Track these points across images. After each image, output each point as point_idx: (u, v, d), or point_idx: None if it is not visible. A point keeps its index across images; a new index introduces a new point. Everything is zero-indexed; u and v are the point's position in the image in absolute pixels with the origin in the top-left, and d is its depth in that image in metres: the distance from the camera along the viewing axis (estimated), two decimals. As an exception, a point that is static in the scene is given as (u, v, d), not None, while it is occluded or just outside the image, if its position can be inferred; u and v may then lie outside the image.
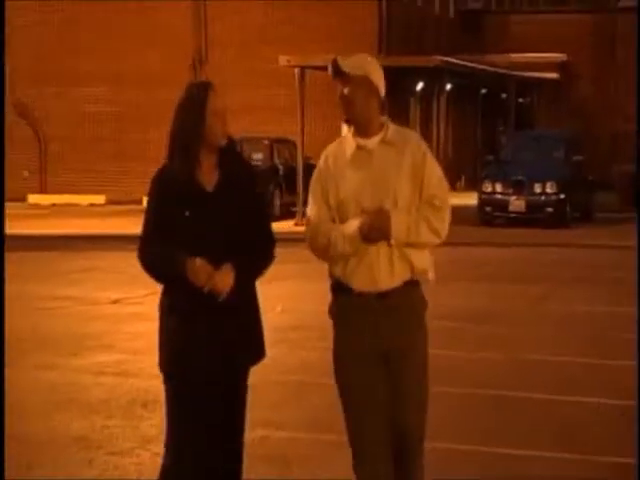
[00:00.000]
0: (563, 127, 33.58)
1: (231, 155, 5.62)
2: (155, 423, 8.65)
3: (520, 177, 27.35)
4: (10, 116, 33.49)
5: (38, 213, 31.79)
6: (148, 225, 5.53)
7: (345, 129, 5.85)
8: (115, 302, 15.58)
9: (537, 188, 27.29)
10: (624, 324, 13.31)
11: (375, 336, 5.60)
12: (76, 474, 7.82)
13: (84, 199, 33.88)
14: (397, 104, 35.74)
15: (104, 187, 34.05)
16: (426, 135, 37.67)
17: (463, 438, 8.72)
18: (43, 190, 35.63)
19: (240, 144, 26.75)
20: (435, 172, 5.70)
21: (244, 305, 5.55)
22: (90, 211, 32.30)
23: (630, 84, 35.63)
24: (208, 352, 5.47)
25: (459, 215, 31.37)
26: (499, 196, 27.52)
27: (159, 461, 7.87)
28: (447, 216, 5.66)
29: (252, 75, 31.16)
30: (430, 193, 5.61)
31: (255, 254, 5.53)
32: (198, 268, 5.29)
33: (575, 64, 38.79)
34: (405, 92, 35.91)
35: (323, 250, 5.60)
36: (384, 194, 5.55)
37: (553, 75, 38.27)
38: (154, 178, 5.58)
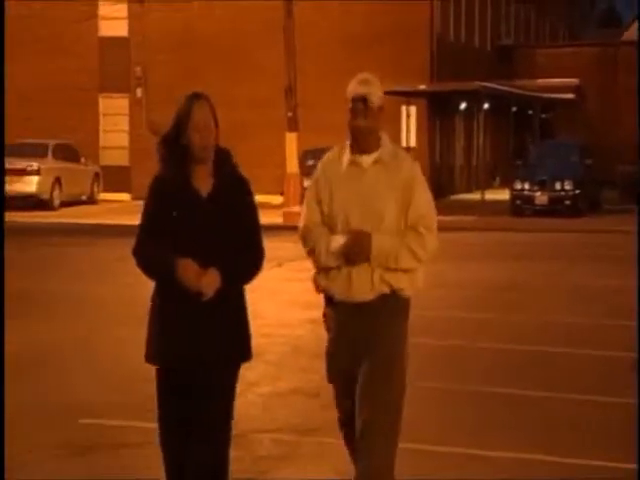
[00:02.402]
0: (577, 137, 33.35)
1: (225, 165, 4.79)
2: (256, 372, 8.67)
3: (544, 177, 27.25)
4: (145, 135, 33.73)
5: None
6: (143, 226, 4.77)
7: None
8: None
9: (557, 185, 27.18)
10: (630, 292, 13.25)
11: (353, 343, 4.88)
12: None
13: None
14: (445, 121, 35.63)
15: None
16: (468, 145, 37.60)
17: (496, 383, 8.76)
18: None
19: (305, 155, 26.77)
20: (423, 196, 4.87)
21: (231, 307, 4.72)
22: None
23: (629, 103, 35.75)
24: (194, 350, 4.67)
25: (495, 207, 31.42)
26: (527, 192, 27.41)
27: (261, 401, 8.08)
28: (430, 241, 4.84)
29: (332, 99, 31.17)
30: (417, 214, 4.82)
31: (243, 262, 4.72)
32: (186, 269, 4.56)
33: (586, 87, 38.54)
34: (451, 111, 35.79)
35: (310, 254, 4.93)
36: (371, 213, 4.78)
37: (569, 96, 37.94)
38: (151, 182, 4.81)
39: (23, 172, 28.56)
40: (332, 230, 4.85)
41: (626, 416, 7.56)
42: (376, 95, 4.84)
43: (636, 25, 46.09)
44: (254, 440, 6.97)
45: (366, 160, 4.86)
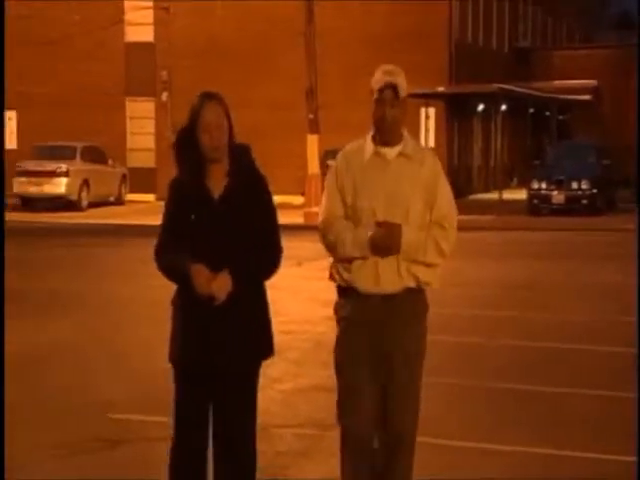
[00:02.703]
0: (594, 138, 33.16)
1: (241, 163, 4.57)
2: (278, 368, 8.66)
3: (561, 177, 27.12)
4: (170, 136, 33.83)
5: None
6: (163, 231, 4.62)
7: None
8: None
9: (574, 185, 27.04)
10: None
11: (376, 337, 4.65)
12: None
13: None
14: (463, 122, 35.53)
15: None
16: (486, 145, 37.47)
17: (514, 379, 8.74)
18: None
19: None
20: (447, 194, 4.72)
21: (247, 307, 4.52)
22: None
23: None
24: (214, 350, 4.51)
25: (512, 206, 31.32)
26: (544, 192, 27.30)
27: (282, 397, 8.06)
28: (453, 237, 4.71)
29: (352, 100, 31.14)
30: (441, 214, 4.65)
31: (258, 260, 4.52)
32: (198, 274, 4.40)
33: (603, 88, 38.31)
34: (469, 112, 35.69)
35: (332, 247, 4.68)
36: (397, 205, 4.58)
37: (586, 97, 37.74)
38: (169, 185, 4.65)
39: (52, 174, 28.66)
40: (355, 222, 4.64)
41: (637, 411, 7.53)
42: (403, 85, 4.62)
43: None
44: (276, 435, 6.98)
45: (390, 152, 4.65)
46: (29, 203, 29.16)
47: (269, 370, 8.93)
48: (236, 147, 4.58)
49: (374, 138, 4.68)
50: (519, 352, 9.91)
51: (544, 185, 27.38)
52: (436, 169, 4.69)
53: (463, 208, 23.38)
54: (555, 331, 10.98)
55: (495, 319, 11.70)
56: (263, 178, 4.62)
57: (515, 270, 16.20)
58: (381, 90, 4.57)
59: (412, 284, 4.64)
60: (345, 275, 4.66)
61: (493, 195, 31.75)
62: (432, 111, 32.19)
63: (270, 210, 4.60)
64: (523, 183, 31.67)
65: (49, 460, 6.41)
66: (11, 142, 36.48)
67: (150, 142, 35.54)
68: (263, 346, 4.65)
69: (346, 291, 4.69)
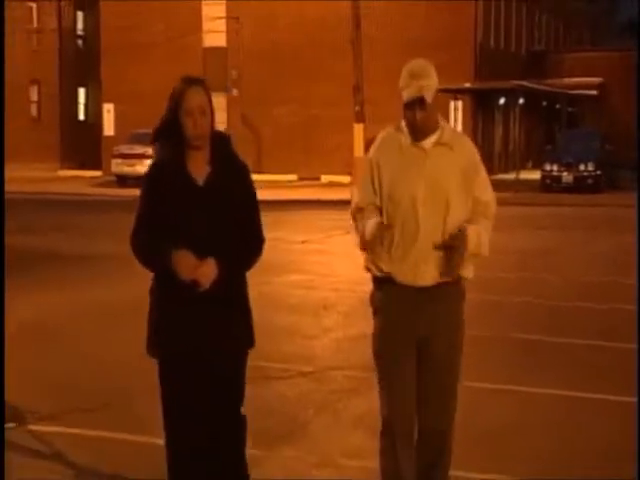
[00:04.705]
0: (598, 127, 32.72)
1: (223, 151, 3.83)
2: (330, 320, 8.68)
3: (570, 160, 26.83)
4: (239, 126, 33.99)
5: (257, 186, 32.08)
6: (140, 216, 3.81)
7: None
8: (303, 242, 15.47)
9: (581, 167, 26.79)
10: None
11: (411, 325, 3.93)
12: (280, 350, 7.79)
13: (284, 177, 34.18)
14: (486, 114, 35.17)
15: (296, 169, 34.27)
16: (506, 133, 37.05)
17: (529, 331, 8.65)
18: (259, 171, 35.99)
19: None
20: (486, 180, 4.00)
21: (231, 296, 3.79)
22: (288, 185, 32.63)
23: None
24: (195, 340, 3.75)
25: (528, 185, 31.17)
26: (555, 173, 27.06)
27: (335, 344, 8.08)
28: (493, 224, 4.03)
29: (393, 96, 30.94)
30: (483, 200, 3.94)
31: (242, 249, 3.81)
32: (182, 260, 3.65)
33: (608, 85, 37.70)
34: (491, 105, 35.31)
35: (359, 231, 3.98)
36: (437, 195, 3.85)
37: (593, 92, 37.17)
38: (147, 171, 3.86)
39: (142, 156, 28.88)
40: (392, 211, 3.88)
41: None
42: (431, 89, 3.85)
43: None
44: (329, 376, 6.98)
45: (427, 142, 3.89)
46: (124, 181, 29.46)
47: (324, 320, 9.00)
48: (216, 135, 3.83)
49: (409, 130, 3.92)
50: (534, 308, 9.84)
51: (555, 167, 27.21)
52: (474, 156, 3.97)
53: (486, 187, 22.65)
54: (565, 290, 10.88)
55: (513, 280, 11.62)
56: (246, 166, 3.91)
57: (530, 239, 16.07)
58: (407, 103, 3.84)
59: (449, 279, 3.92)
60: (384, 267, 3.92)
61: (511, 175, 31.49)
62: (460, 104, 31.94)
63: (253, 199, 3.89)
64: (537, 165, 31.37)
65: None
66: (109, 130, 36.82)
67: (222, 130, 35.82)
68: (245, 337, 3.87)
69: (382, 281, 3.96)
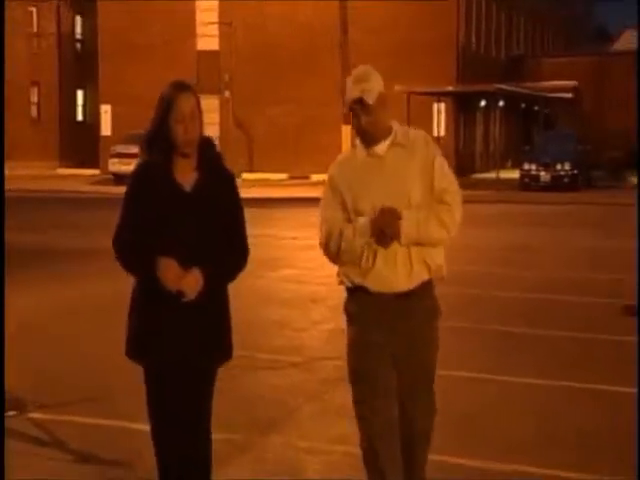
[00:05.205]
0: (573, 128, 32.86)
1: (209, 157, 3.57)
2: (319, 313, 8.67)
3: (547, 160, 26.89)
4: (232, 127, 33.96)
5: (249, 184, 32.20)
6: (124, 217, 3.55)
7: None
8: (294, 238, 15.43)
9: (558, 166, 26.85)
10: (616, 252, 13.09)
11: (389, 335, 3.65)
12: (270, 343, 7.78)
13: (275, 176, 34.15)
14: (468, 115, 35.22)
15: (287, 168, 34.26)
16: (486, 134, 37.12)
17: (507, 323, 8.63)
18: (251, 170, 35.98)
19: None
20: (444, 168, 3.72)
21: (212, 305, 3.55)
22: (279, 183, 32.61)
23: (615, 101, 35.20)
24: (175, 349, 3.51)
25: (508, 184, 31.37)
26: (533, 172, 27.10)
27: (325, 335, 8.08)
28: (457, 211, 3.71)
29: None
30: (441, 188, 3.67)
31: (227, 260, 3.54)
32: (167, 269, 3.41)
33: (582, 88, 37.85)
34: (473, 107, 35.39)
35: (335, 251, 3.68)
36: (398, 197, 3.61)
37: (568, 95, 37.31)
38: (133, 174, 3.60)
39: (138, 156, 28.77)
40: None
41: (613, 349, 7.48)
42: (372, 91, 3.62)
43: (623, 37, 45.11)
44: (318, 366, 6.99)
45: (381, 147, 3.67)
46: (120, 179, 29.36)
47: (312, 314, 8.99)
48: (203, 141, 3.58)
49: (362, 142, 3.72)
50: (513, 301, 9.85)
51: (533, 166, 27.28)
52: (429, 150, 3.71)
53: (467, 185, 23.38)
54: (542, 284, 10.89)
55: (493, 275, 11.64)
56: (232, 175, 3.65)
57: (509, 235, 16.10)
58: (350, 104, 3.65)
59: (425, 275, 3.68)
60: (355, 278, 3.68)
61: (492, 175, 31.57)
62: (443, 106, 32.00)
63: (239, 210, 3.62)
64: (516, 165, 31.43)
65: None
66: (106, 130, 36.70)
67: (215, 130, 35.64)
68: (224, 347, 3.65)
69: (355, 291, 3.71)
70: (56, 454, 5.10)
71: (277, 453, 5.12)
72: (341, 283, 3.79)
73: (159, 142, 3.51)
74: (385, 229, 3.57)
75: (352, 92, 3.66)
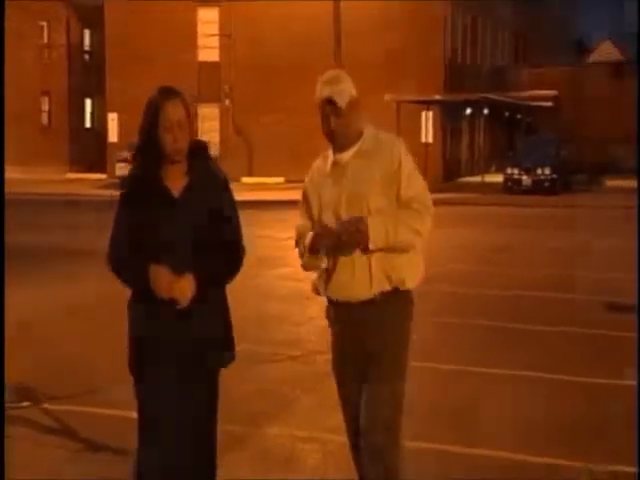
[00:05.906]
0: (554, 135, 32.93)
1: (200, 161, 3.33)
2: (315, 309, 8.56)
3: (529, 165, 26.94)
4: (232, 134, 33.92)
5: (248, 188, 32.23)
6: (116, 229, 3.33)
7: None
8: (289, 238, 15.53)
9: (539, 171, 26.89)
10: (595, 252, 13.10)
11: (355, 342, 3.52)
12: (270, 336, 7.76)
13: (272, 180, 34.07)
14: (454, 123, 35.22)
15: (284, 172, 34.23)
16: (472, 141, 37.15)
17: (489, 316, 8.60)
18: (250, 174, 35.94)
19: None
20: (412, 175, 3.46)
21: (209, 310, 3.31)
22: (276, 187, 32.47)
23: (593, 109, 35.34)
24: (175, 354, 3.29)
25: (492, 187, 31.45)
26: (516, 176, 27.15)
27: (320, 330, 8.06)
28: (427, 216, 3.46)
29: (374, 105, 31.04)
30: (408, 196, 3.44)
31: (221, 263, 3.31)
32: (158, 277, 3.19)
33: (562, 97, 37.92)
34: (459, 115, 35.37)
35: (302, 260, 3.63)
36: (358, 206, 3.42)
37: (548, 104, 37.35)
38: (124, 184, 3.39)
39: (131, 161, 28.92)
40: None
41: (596, 343, 7.46)
42: (343, 93, 3.44)
43: (599, 49, 45.23)
44: (315, 359, 6.94)
45: (346, 155, 3.48)
46: (127, 183, 29.51)
47: (308, 310, 8.96)
48: (193, 144, 3.34)
49: (333, 148, 3.54)
50: (499, 298, 9.84)
51: (516, 171, 27.34)
52: (395, 155, 3.44)
53: (454, 188, 23.59)
54: (525, 282, 10.88)
55: (479, 273, 11.63)
56: (223, 177, 3.39)
57: (493, 235, 16.09)
58: (320, 105, 3.45)
59: (386, 285, 3.45)
60: (320, 288, 3.57)
61: (477, 178, 31.65)
62: (430, 114, 31.98)
63: (232, 209, 3.37)
64: (500, 169, 31.48)
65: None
66: (113, 136, 36.67)
67: (216, 137, 35.74)
68: (225, 349, 3.42)
69: (328, 300, 3.61)
70: (66, 442, 5.07)
71: (276, 443, 5.11)
72: (314, 292, 3.67)
73: (149, 150, 3.27)
74: (347, 239, 3.38)
75: (321, 92, 3.46)
